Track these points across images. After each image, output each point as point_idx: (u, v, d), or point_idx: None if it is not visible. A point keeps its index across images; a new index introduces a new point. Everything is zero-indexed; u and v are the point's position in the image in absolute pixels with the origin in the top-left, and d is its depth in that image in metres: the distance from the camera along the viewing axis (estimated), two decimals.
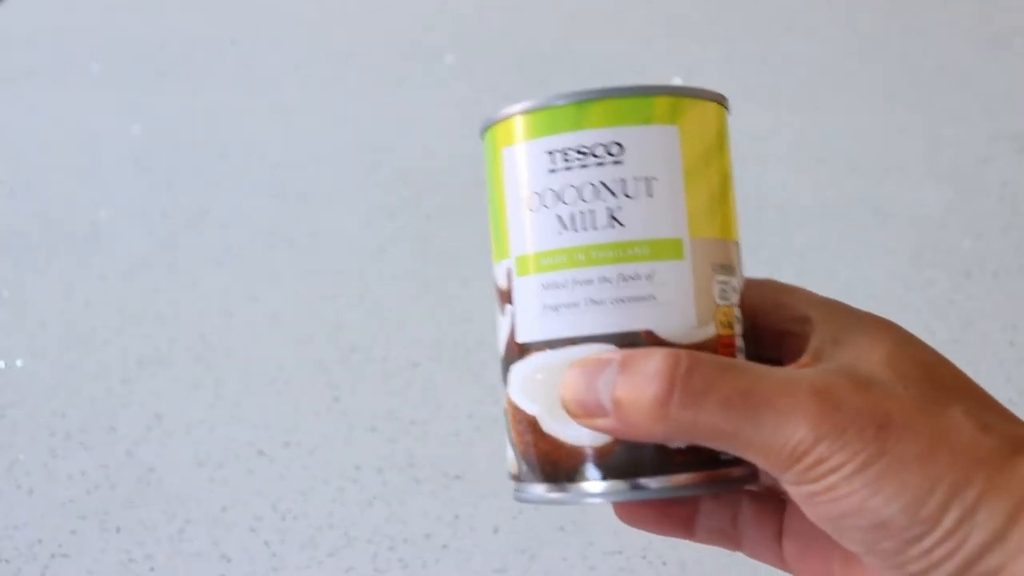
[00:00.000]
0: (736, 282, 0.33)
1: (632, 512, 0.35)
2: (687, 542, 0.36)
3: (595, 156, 0.31)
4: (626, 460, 0.30)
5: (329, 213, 0.88)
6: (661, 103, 0.32)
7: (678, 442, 0.30)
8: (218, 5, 1.16)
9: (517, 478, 0.33)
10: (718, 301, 0.32)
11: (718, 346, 0.32)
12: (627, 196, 0.31)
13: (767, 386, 0.28)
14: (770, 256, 0.83)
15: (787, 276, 0.81)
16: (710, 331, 0.31)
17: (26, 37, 1.11)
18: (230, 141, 0.96)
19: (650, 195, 0.31)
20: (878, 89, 1.02)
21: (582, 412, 0.30)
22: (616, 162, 0.31)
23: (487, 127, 0.34)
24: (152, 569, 0.61)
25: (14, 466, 0.68)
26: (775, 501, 0.36)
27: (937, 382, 0.30)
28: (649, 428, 0.28)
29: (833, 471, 0.27)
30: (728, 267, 0.33)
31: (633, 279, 0.31)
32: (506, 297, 0.33)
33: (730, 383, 0.28)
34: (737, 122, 0.98)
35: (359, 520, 0.64)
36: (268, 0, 1.17)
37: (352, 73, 1.05)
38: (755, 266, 0.82)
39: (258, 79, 1.04)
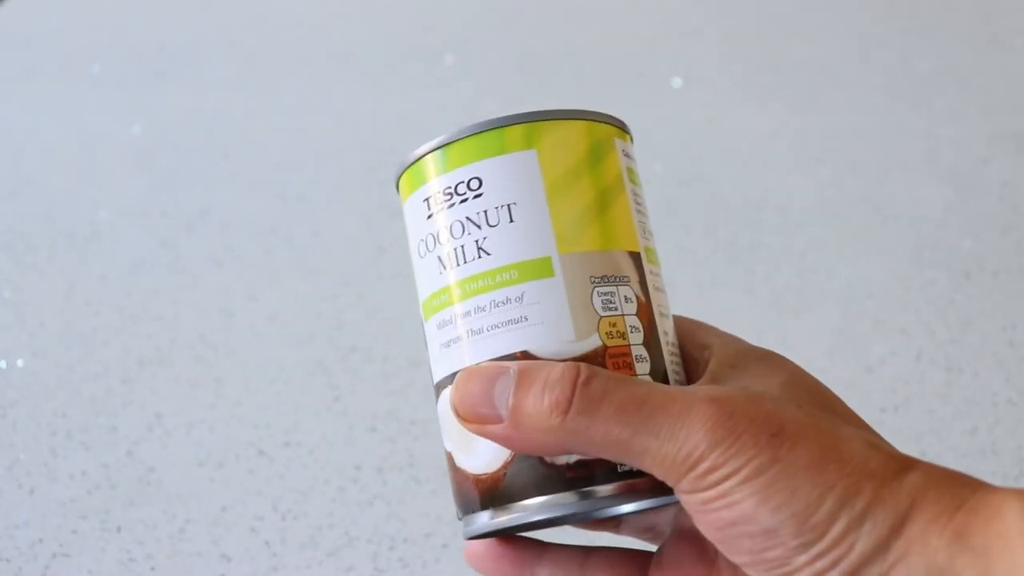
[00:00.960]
0: (633, 290, 0.32)
1: (480, 555, 0.34)
2: None
3: (458, 194, 0.33)
4: (514, 485, 0.31)
5: (329, 213, 0.88)
6: (513, 132, 0.33)
7: (570, 453, 0.30)
8: (218, 6, 1.16)
9: (459, 518, 0.34)
10: (601, 313, 0.32)
11: (605, 357, 0.31)
12: (490, 226, 0.32)
13: (662, 394, 0.28)
14: (770, 256, 0.83)
15: (787, 276, 0.81)
16: (593, 343, 0.31)
17: (27, 38, 1.11)
18: (230, 141, 0.96)
19: (511, 220, 0.32)
20: (878, 89, 1.02)
21: (475, 419, 0.30)
22: (476, 195, 0.32)
23: (396, 184, 0.36)
24: (152, 569, 0.61)
25: (15, 466, 0.68)
26: (630, 558, 0.36)
27: (828, 407, 0.31)
28: (544, 436, 0.28)
29: (727, 478, 0.27)
30: (616, 277, 0.32)
31: (504, 304, 0.31)
32: (425, 345, 0.35)
33: (626, 391, 0.28)
34: (737, 122, 0.99)
35: (359, 520, 0.64)
36: (268, 1, 1.17)
37: (352, 73, 1.05)
38: (755, 266, 0.82)
39: (258, 79, 1.04)
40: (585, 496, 0.30)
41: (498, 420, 0.29)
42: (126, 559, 0.62)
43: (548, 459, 0.30)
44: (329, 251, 0.84)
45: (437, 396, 0.34)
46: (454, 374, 0.32)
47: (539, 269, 0.32)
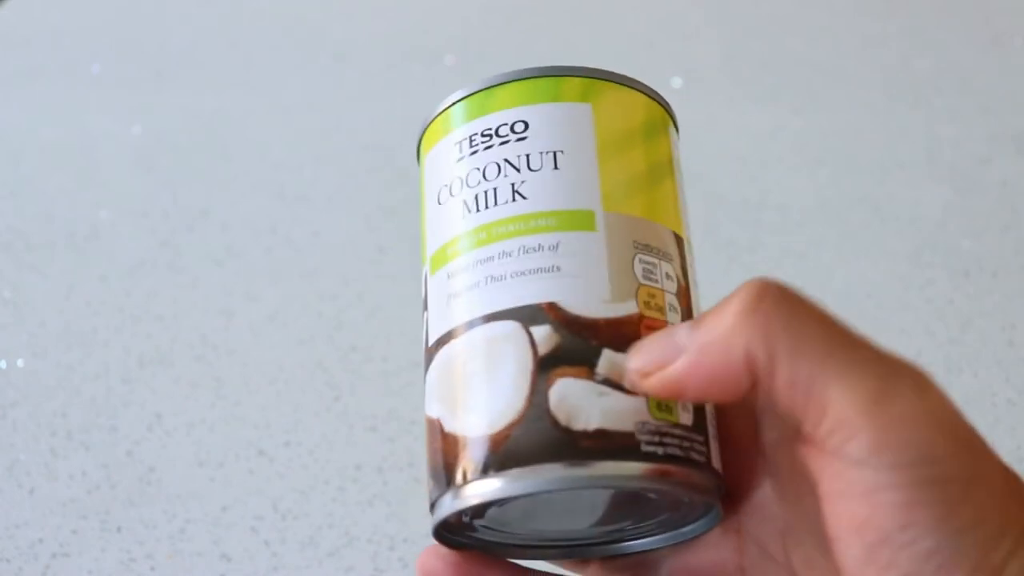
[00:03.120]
0: (675, 270, 0.30)
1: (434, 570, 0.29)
2: None
3: (499, 135, 0.30)
4: (519, 448, 0.26)
5: (329, 213, 0.88)
6: (571, 83, 0.31)
7: (758, 366, 0.25)
8: (218, 6, 1.16)
9: (431, 505, 0.29)
10: (641, 280, 0.29)
11: (640, 327, 0.28)
12: (531, 170, 0.29)
13: (867, 349, 0.25)
14: (770, 256, 0.83)
15: (787, 276, 0.81)
16: (630, 308, 0.28)
17: (27, 37, 1.11)
18: (231, 141, 0.96)
19: (556, 167, 0.30)
20: (878, 89, 1.02)
21: (654, 366, 0.26)
22: (520, 139, 0.30)
23: (417, 142, 0.33)
24: (152, 569, 0.61)
25: (15, 466, 0.68)
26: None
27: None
28: (730, 339, 0.25)
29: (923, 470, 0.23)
30: (660, 250, 0.30)
31: (536, 251, 0.28)
32: (424, 306, 0.31)
33: (822, 310, 0.25)
34: (737, 122, 0.99)
35: (359, 520, 0.64)
36: (268, 1, 1.17)
37: (352, 73, 1.05)
38: (755, 266, 0.82)
39: (258, 79, 1.04)
40: (603, 469, 0.26)
41: (679, 354, 0.26)
42: (126, 559, 0.62)
43: (563, 423, 0.26)
44: (329, 251, 0.84)
45: (429, 361, 0.30)
46: (457, 327, 0.28)
47: (581, 220, 0.29)
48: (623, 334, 0.28)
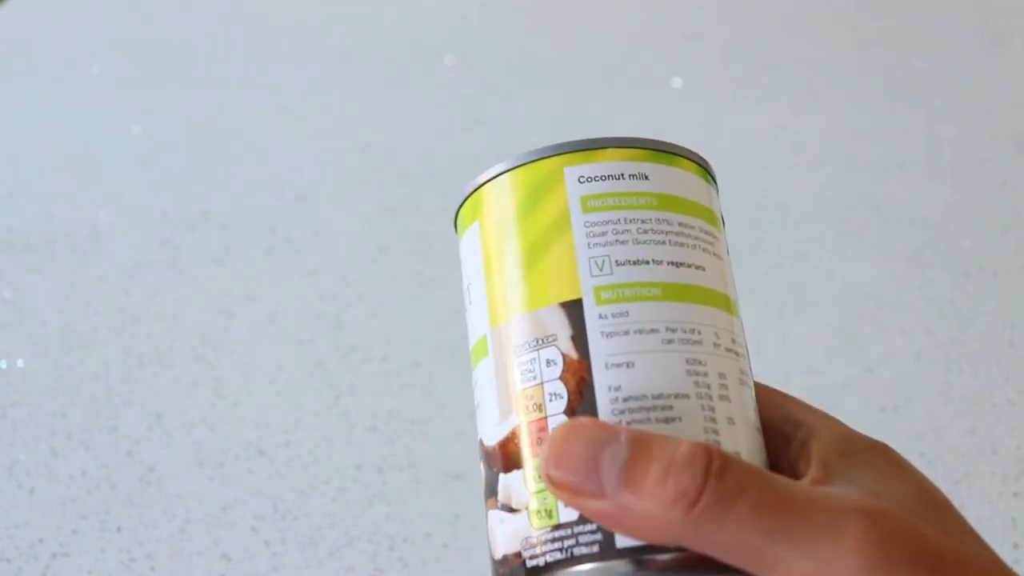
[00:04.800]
0: (560, 349, 0.29)
1: None
2: None
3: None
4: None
5: (329, 213, 0.88)
6: (465, 209, 0.30)
7: (682, 548, 0.26)
8: (218, 6, 1.16)
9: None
10: (520, 386, 0.29)
11: (519, 440, 0.28)
12: (467, 307, 0.31)
13: (807, 497, 0.24)
14: (770, 256, 0.83)
15: (787, 276, 0.81)
16: (512, 423, 0.29)
17: (27, 38, 1.11)
18: (230, 141, 0.96)
19: (471, 303, 0.30)
20: (878, 89, 1.02)
21: (570, 490, 0.25)
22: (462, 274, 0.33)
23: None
24: (152, 568, 0.61)
25: (15, 466, 0.68)
26: None
27: (961, 524, 0.26)
28: (655, 526, 0.24)
29: None
30: (540, 339, 0.29)
31: (473, 387, 0.31)
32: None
33: (765, 488, 0.24)
34: (737, 122, 0.99)
35: (359, 519, 0.64)
36: (268, 1, 1.17)
37: (352, 73, 1.05)
38: (756, 266, 0.82)
39: (258, 80, 1.04)
40: (640, 565, 0.26)
41: (600, 495, 0.25)
42: (126, 559, 0.62)
43: (490, 554, 0.26)
44: (329, 251, 0.84)
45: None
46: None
47: (481, 350, 0.30)
48: (509, 453, 0.29)
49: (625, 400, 0.28)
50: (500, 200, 0.31)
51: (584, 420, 0.26)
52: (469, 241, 0.30)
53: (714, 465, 0.24)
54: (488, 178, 0.31)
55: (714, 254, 0.29)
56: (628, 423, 0.27)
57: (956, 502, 0.64)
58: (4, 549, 0.62)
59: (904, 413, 0.70)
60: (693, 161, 0.31)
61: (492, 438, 0.27)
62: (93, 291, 0.81)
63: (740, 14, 1.14)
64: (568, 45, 1.08)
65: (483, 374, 0.29)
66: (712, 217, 0.30)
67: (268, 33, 1.11)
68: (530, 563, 0.27)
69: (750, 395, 0.29)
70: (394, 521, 0.64)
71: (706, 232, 0.30)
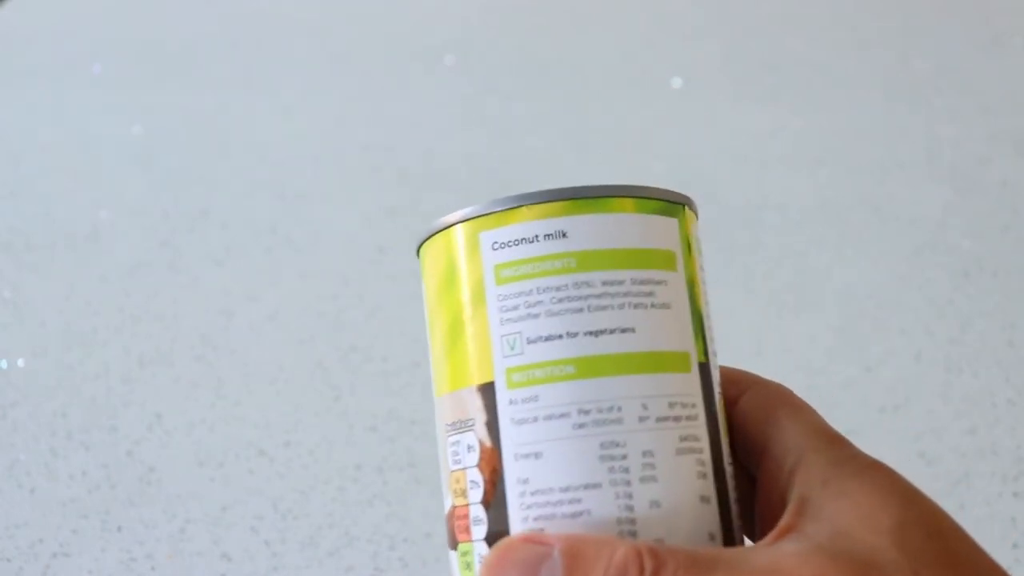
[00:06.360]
0: (477, 434, 0.27)
1: None
2: None
3: None
4: None
5: (329, 213, 0.88)
6: (420, 261, 0.30)
7: None
8: (219, 7, 1.16)
9: None
10: (451, 467, 0.28)
11: (453, 520, 0.27)
12: None
13: None
14: (770, 256, 0.83)
15: (787, 276, 0.81)
16: (448, 504, 0.28)
17: (27, 38, 1.11)
18: (230, 141, 0.96)
19: None
20: (878, 89, 1.02)
21: None
22: None
23: None
24: (153, 568, 0.61)
25: (15, 466, 0.68)
26: None
27: (952, 558, 0.24)
28: None
29: None
30: (462, 422, 0.27)
31: None
32: None
33: None
34: (737, 122, 0.99)
35: (359, 519, 0.64)
36: (269, 1, 1.17)
37: (352, 73, 1.05)
38: (756, 266, 0.82)
39: (258, 80, 1.04)
40: None
41: None
42: (126, 559, 0.62)
43: None
44: (329, 251, 0.84)
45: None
46: None
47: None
48: (448, 529, 0.28)
49: (533, 494, 0.26)
50: (431, 266, 0.29)
51: (514, 542, 0.25)
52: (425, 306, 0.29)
53: (647, 571, 0.22)
54: (422, 240, 0.29)
55: (654, 306, 0.26)
56: (535, 519, 0.26)
57: (956, 502, 0.64)
58: (4, 549, 0.62)
59: (904, 413, 0.70)
60: (634, 197, 0.27)
61: (445, 506, 0.26)
62: (93, 291, 0.81)
63: (740, 14, 1.14)
64: (568, 45, 1.08)
65: (437, 453, 0.28)
66: (656, 259, 0.27)
67: (268, 33, 1.11)
68: None
69: (696, 460, 0.26)
70: (394, 521, 0.64)
71: (642, 282, 0.26)
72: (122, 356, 0.75)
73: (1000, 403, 0.71)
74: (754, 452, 0.28)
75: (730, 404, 0.30)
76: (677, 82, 1.03)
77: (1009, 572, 0.22)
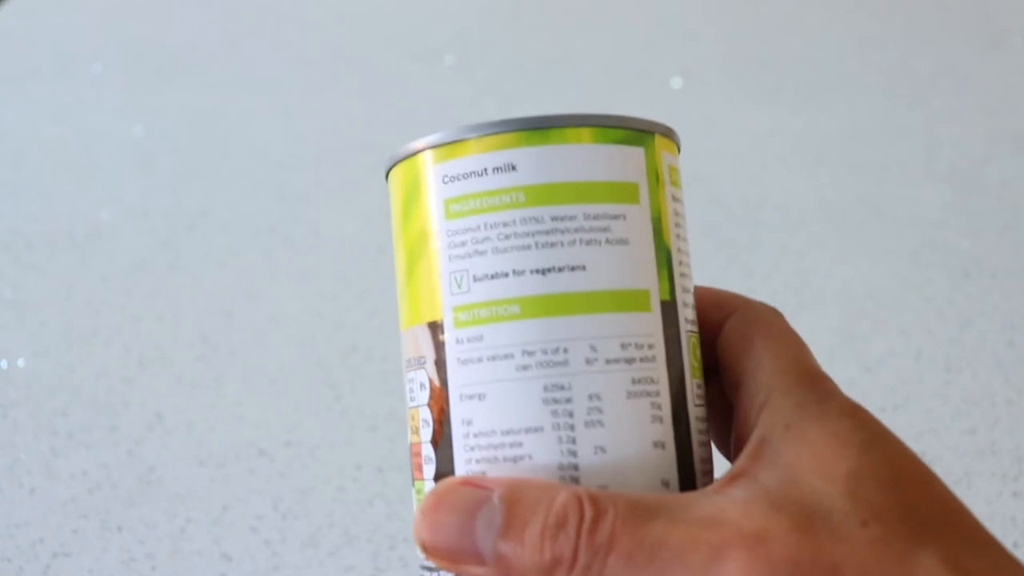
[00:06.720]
0: (427, 373, 0.26)
1: None
2: None
3: None
4: None
5: (329, 213, 0.88)
6: (389, 194, 0.29)
7: None
8: (219, 6, 1.16)
9: None
10: (409, 403, 0.27)
11: (411, 458, 0.27)
12: None
13: (683, 536, 0.22)
14: (770, 256, 0.83)
15: (787, 276, 0.81)
16: (408, 440, 0.27)
17: (27, 38, 1.11)
18: (231, 141, 0.96)
19: None
20: (877, 89, 1.02)
21: (448, 559, 0.24)
22: None
23: None
24: (153, 568, 0.61)
25: (16, 465, 0.68)
26: None
27: (908, 508, 0.22)
28: None
29: None
30: (415, 359, 0.27)
31: None
32: None
33: (637, 533, 0.22)
34: (737, 122, 0.99)
35: (360, 519, 0.64)
36: (269, 1, 1.17)
37: (352, 73, 1.05)
38: (756, 266, 0.82)
39: (259, 80, 1.04)
40: None
41: (481, 563, 0.23)
42: (127, 558, 0.62)
43: None
44: (329, 251, 0.84)
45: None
46: None
47: None
48: (411, 467, 0.28)
49: (476, 436, 0.25)
50: (393, 194, 0.28)
51: (452, 484, 0.24)
52: None
53: (586, 519, 0.22)
54: (388, 166, 0.28)
55: (608, 242, 0.25)
56: (478, 461, 0.25)
57: None
58: (5, 548, 0.63)
59: (903, 413, 0.70)
60: (591, 127, 0.26)
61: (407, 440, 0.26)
62: (94, 291, 0.81)
63: (740, 14, 1.14)
64: (568, 45, 1.08)
65: None
66: (613, 192, 0.25)
67: (268, 33, 1.11)
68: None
69: (651, 404, 0.25)
70: (394, 521, 0.64)
71: (596, 217, 0.25)
72: (123, 356, 0.75)
73: (999, 403, 0.71)
74: (731, 387, 0.27)
75: (714, 330, 0.28)
76: (677, 82, 1.03)
77: None
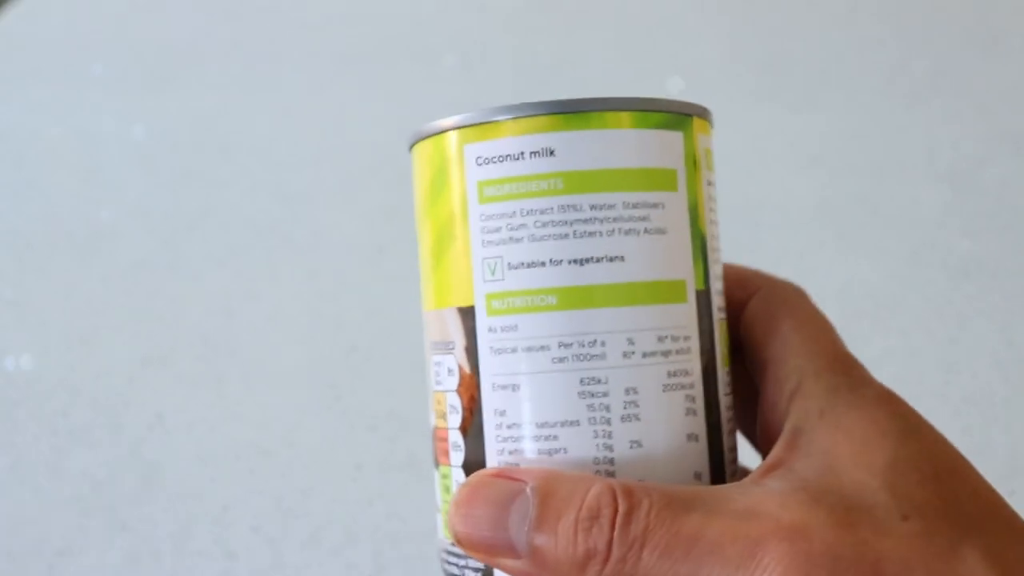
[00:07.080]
0: (456, 359, 0.26)
1: None
2: None
3: None
4: None
5: (329, 213, 0.88)
6: (413, 170, 0.29)
7: None
8: (219, 7, 1.16)
9: None
10: (433, 387, 0.27)
11: (434, 442, 0.27)
12: None
13: (720, 528, 0.21)
14: (769, 256, 0.83)
15: (786, 276, 0.81)
16: (431, 424, 0.27)
17: (28, 38, 1.11)
18: (232, 142, 0.96)
19: None
20: (877, 89, 1.02)
21: (483, 551, 0.24)
22: None
23: None
24: (156, 566, 0.62)
25: (18, 465, 0.68)
26: None
27: (948, 502, 0.22)
28: None
29: None
30: (443, 343, 0.26)
31: None
32: None
33: (672, 526, 0.21)
34: (737, 122, 0.99)
35: (360, 518, 0.64)
36: (269, 2, 1.17)
37: (352, 73, 1.05)
38: (755, 266, 0.82)
39: (259, 80, 1.04)
40: None
41: (513, 555, 0.23)
42: (129, 557, 0.62)
43: None
44: (329, 251, 0.84)
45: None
46: None
47: None
48: (432, 449, 0.27)
49: (509, 427, 0.25)
50: (419, 172, 0.27)
51: (486, 477, 0.24)
52: None
53: (620, 512, 0.22)
54: (412, 141, 0.27)
55: (647, 231, 0.25)
56: (511, 452, 0.25)
57: None
58: (9, 547, 0.63)
59: None
60: (631, 111, 0.25)
61: (429, 422, 0.26)
62: (95, 291, 0.81)
63: (740, 14, 1.14)
64: (568, 45, 1.09)
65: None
66: (653, 180, 0.25)
67: (268, 33, 1.11)
68: (445, 567, 0.27)
69: (685, 397, 0.25)
70: (395, 520, 0.64)
71: (635, 206, 0.25)
72: (123, 356, 0.76)
73: (998, 403, 0.71)
74: (757, 369, 0.27)
75: (738, 309, 0.28)
76: (677, 82, 1.04)
77: None
